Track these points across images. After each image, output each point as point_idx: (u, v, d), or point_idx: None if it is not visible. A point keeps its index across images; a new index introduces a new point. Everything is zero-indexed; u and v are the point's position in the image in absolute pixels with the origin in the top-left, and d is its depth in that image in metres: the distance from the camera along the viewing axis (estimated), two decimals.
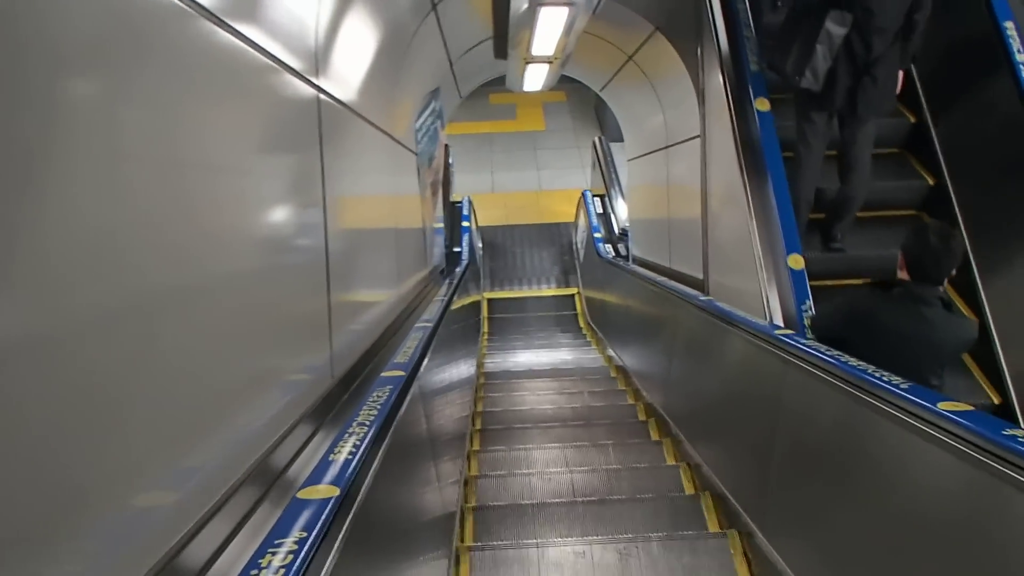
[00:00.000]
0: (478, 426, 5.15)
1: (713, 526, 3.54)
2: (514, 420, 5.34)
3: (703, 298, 4.34)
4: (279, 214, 1.91)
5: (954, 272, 2.94)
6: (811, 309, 3.48)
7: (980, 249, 3.88)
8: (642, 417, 5.29)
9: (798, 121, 3.94)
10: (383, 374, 2.36)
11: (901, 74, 3.84)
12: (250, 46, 1.66)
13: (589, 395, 6.06)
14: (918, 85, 4.49)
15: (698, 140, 4.76)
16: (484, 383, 6.73)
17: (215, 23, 1.46)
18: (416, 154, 4.90)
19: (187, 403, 1.33)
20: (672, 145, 5.49)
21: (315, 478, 1.45)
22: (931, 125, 4.42)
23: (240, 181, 1.64)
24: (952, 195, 4.16)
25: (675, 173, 5.56)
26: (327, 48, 2.43)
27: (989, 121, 3.98)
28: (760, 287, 3.76)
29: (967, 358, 3.83)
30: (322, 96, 2.33)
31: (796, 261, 3.63)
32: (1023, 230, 3.70)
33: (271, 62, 1.82)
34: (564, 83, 9.42)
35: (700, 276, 4.82)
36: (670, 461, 4.42)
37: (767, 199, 3.83)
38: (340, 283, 2.49)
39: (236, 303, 1.57)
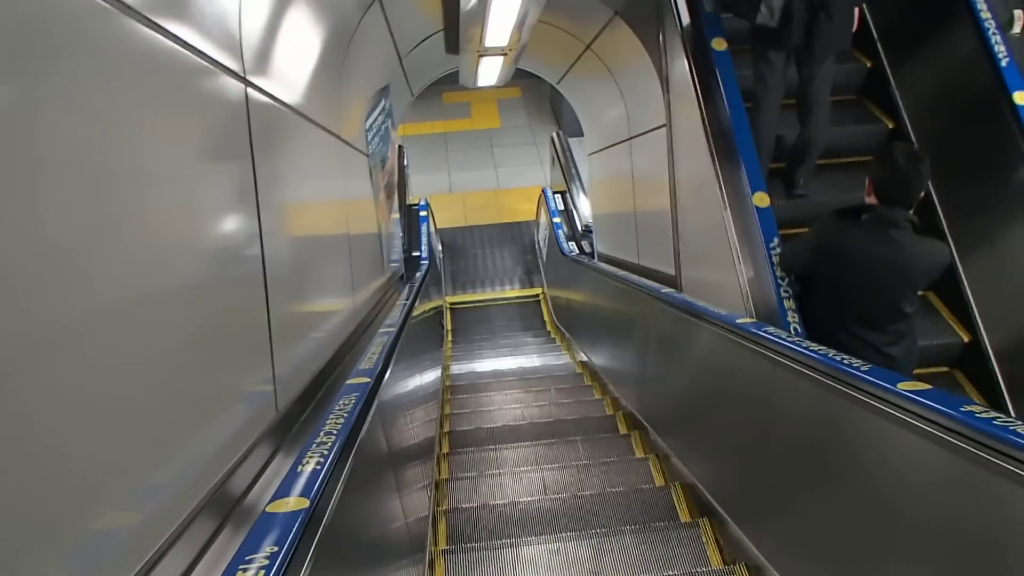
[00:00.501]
0: (446, 428, 5.07)
1: (684, 516, 3.52)
2: (484, 422, 5.21)
3: (665, 291, 4.21)
4: (192, 226, 1.61)
5: (922, 195, 2.90)
6: (778, 247, 3.41)
7: (943, 189, 3.88)
8: (610, 412, 5.24)
9: (755, 63, 3.87)
10: (348, 381, 2.25)
11: (856, 11, 3.81)
12: (151, 27, 1.38)
13: (556, 392, 5.97)
14: (873, 30, 4.50)
15: (663, 130, 4.55)
16: (451, 385, 6.53)
17: None
18: (367, 155, 4.62)
19: (54, 480, 1.04)
20: (636, 136, 5.28)
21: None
22: (888, 69, 4.42)
23: (142, 189, 1.36)
24: (912, 137, 4.19)
25: (640, 165, 5.36)
26: (256, 37, 2.15)
27: (948, 61, 3.97)
28: (738, 280, 3.58)
29: (934, 298, 3.90)
30: (251, 91, 2.05)
31: (761, 199, 3.54)
32: (985, 168, 3.67)
33: (182, 49, 1.54)
34: (519, 79, 9.18)
35: (671, 271, 4.62)
36: (639, 454, 4.39)
37: (741, 187, 3.64)
38: (282, 300, 2.21)
39: (125, 337, 1.28)
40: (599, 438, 4.65)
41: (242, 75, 1.98)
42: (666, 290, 4.28)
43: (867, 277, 2.90)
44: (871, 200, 2.91)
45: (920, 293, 3.11)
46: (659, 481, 3.96)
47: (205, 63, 1.68)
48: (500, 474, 4.11)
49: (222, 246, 1.78)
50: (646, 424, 4.45)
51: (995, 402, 3.60)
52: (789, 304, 3.30)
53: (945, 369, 3.87)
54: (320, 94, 3.14)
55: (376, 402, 2.20)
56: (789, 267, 3.32)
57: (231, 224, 1.85)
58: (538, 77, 9.54)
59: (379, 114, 5.14)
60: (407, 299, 4.59)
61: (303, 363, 2.48)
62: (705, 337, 3.41)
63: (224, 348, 1.74)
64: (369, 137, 4.72)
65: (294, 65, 2.70)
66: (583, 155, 8.58)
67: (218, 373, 1.69)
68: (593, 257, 7.56)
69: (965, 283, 3.76)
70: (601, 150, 6.65)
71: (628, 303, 5.02)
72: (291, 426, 2.18)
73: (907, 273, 2.91)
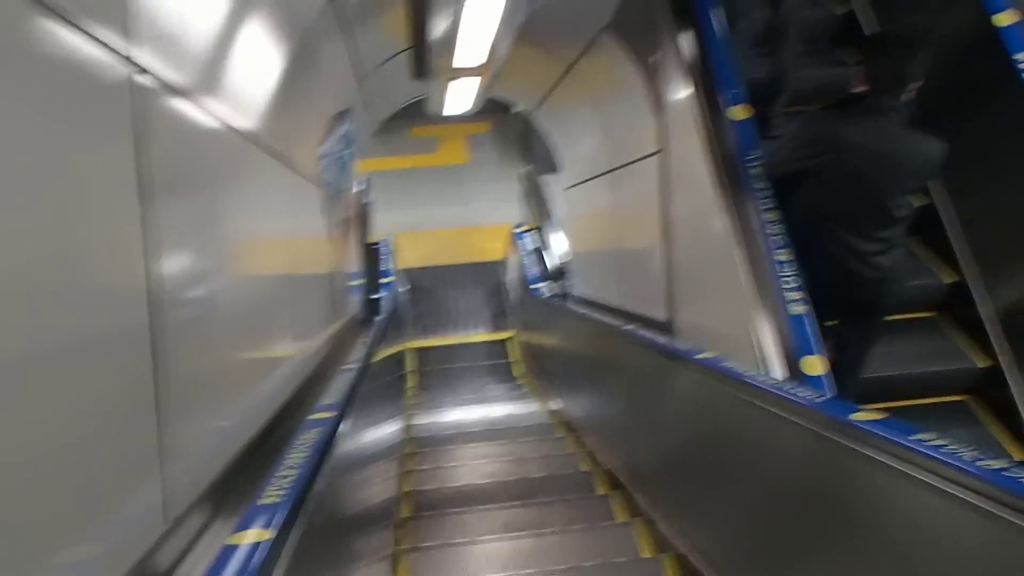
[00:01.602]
0: (406, 514, 4.38)
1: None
2: (451, 496, 4.57)
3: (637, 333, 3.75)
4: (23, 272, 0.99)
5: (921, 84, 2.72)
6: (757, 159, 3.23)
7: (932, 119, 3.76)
8: (584, 468, 4.81)
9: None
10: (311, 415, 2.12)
11: None
12: None
13: (527, 449, 5.40)
14: None
15: (655, 158, 4.06)
16: (413, 452, 5.84)
17: None
18: (321, 186, 4.05)
19: None
20: (622, 166, 4.77)
21: None
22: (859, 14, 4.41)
23: None
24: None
25: (625, 198, 4.85)
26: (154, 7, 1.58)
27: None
28: (749, 327, 3.07)
29: (915, 244, 3.82)
30: (137, 78, 1.47)
31: (740, 112, 3.37)
32: (974, 106, 3.53)
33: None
34: (488, 112, 8.75)
35: (661, 316, 4.09)
36: (602, 492, 4.28)
37: (753, 217, 3.15)
38: (182, 366, 1.61)
39: None
40: (566, 485, 4.49)
41: (124, 53, 1.40)
42: (625, 324, 4.06)
43: (857, 173, 2.74)
44: (861, 89, 2.76)
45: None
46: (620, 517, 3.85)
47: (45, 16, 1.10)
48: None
49: (62, 305, 1.19)
50: (630, 485, 3.87)
51: (982, 344, 3.51)
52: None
53: (932, 314, 3.75)
54: (254, 101, 2.57)
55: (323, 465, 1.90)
56: (773, 171, 3.11)
57: (91, 273, 1.25)
58: (509, 111, 9.12)
59: (336, 141, 4.59)
60: (364, 350, 4.00)
61: (215, 449, 1.87)
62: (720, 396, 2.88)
63: (67, 450, 1.13)
64: (324, 164, 4.16)
65: (218, 55, 2.11)
66: (556, 192, 8.09)
67: (58, 487, 1.08)
68: (567, 299, 7.03)
69: (955, 224, 3.70)
70: (579, 183, 6.14)
71: (612, 349, 4.47)
72: (190, 542, 1.56)
73: (899, 168, 2.75)
